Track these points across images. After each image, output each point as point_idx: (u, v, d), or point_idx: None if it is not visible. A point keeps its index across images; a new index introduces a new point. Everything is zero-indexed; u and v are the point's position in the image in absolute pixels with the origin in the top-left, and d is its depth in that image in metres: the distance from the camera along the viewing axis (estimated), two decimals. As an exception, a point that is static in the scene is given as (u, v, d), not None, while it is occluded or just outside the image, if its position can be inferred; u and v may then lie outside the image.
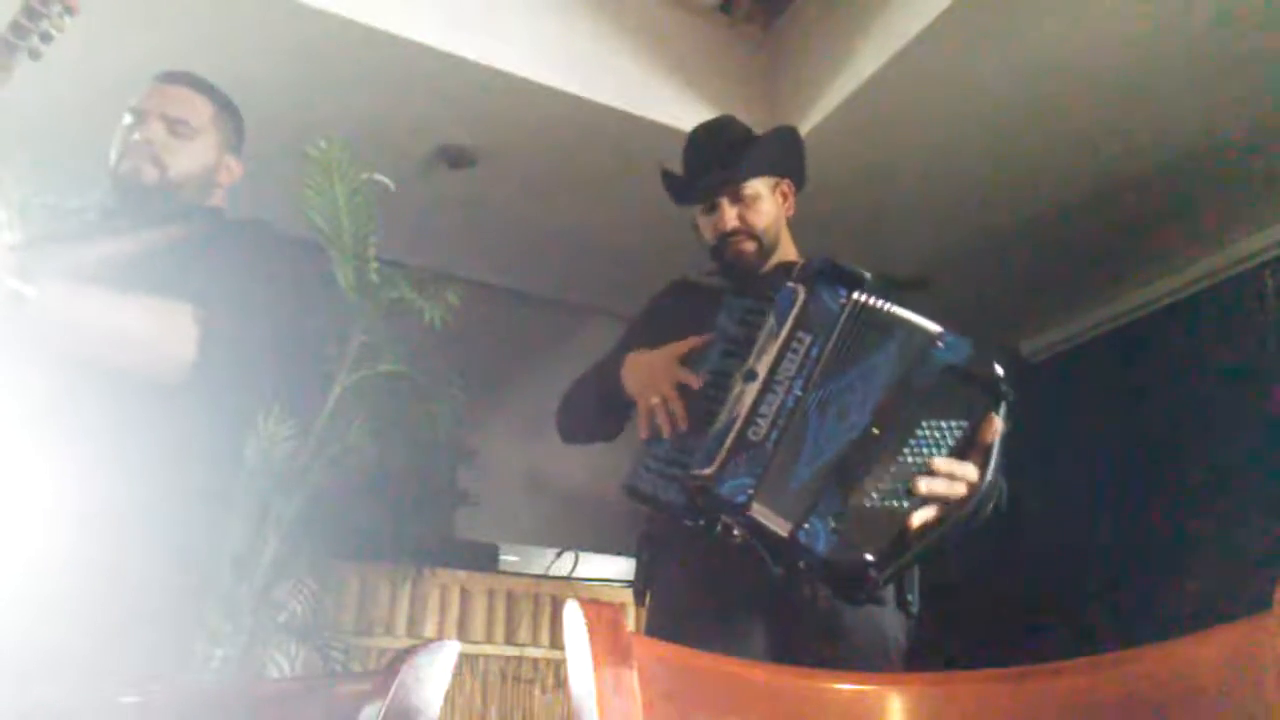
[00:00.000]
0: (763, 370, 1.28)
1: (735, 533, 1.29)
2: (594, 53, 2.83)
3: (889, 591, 1.46)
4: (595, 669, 0.71)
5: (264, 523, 1.90)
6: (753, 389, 1.27)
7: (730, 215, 1.66)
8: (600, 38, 2.85)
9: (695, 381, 1.36)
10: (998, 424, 1.22)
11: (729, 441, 1.25)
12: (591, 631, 0.73)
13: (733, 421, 1.26)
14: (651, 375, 1.44)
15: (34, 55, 1.24)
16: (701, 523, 1.32)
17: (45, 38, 1.23)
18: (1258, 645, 0.71)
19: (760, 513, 1.22)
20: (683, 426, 1.35)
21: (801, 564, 1.26)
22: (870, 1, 2.67)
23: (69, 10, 1.22)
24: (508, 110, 2.81)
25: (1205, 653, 0.76)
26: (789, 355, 1.27)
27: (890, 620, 1.47)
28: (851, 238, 3.41)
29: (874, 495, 1.21)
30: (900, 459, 1.21)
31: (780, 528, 1.21)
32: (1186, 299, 3.48)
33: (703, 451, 1.27)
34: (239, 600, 1.86)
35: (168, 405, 1.40)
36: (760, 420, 1.25)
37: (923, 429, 1.23)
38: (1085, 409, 3.71)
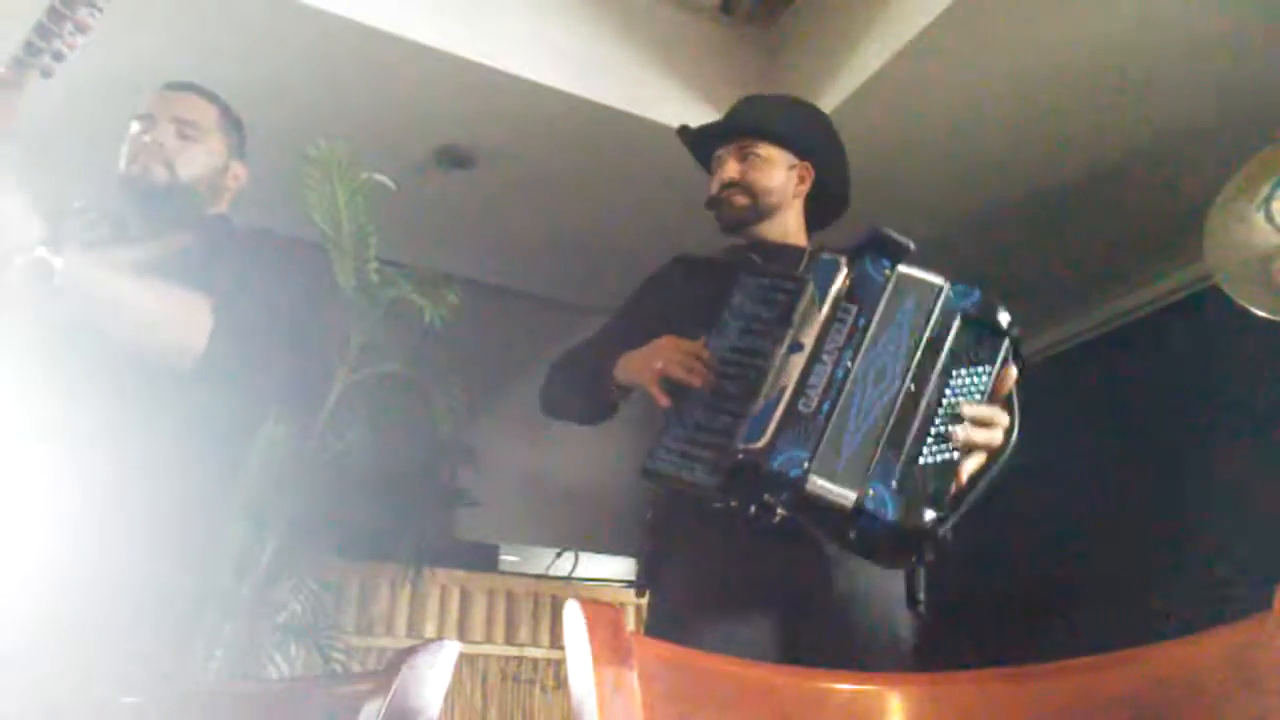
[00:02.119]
0: (808, 341, 1.24)
1: (778, 512, 1.21)
2: (594, 52, 2.83)
3: (899, 589, 1.42)
4: (595, 669, 0.71)
5: (264, 523, 1.90)
6: (799, 360, 1.24)
7: (731, 168, 1.64)
8: (600, 37, 2.85)
9: (704, 352, 1.33)
10: (1013, 371, 1.27)
11: (779, 413, 1.20)
12: (591, 631, 0.73)
13: (781, 393, 1.22)
14: (652, 353, 1.39)
15: (46, 73, 1.24)
16: (734, 504, 1.24)
17: (58, 56, 1.23)
18: (1258, 645, 0.71)
19: (818, 485, 1.18)
20: (697, 383, 1.31)
21: (853, 534, 1.20)
22: (870, 1, 2.67)
23: (81, 29, 1.22)
24: (508, 110, 2.81)
25: (1205, 653, 0.76)
26: (835, 326, 1.25)
27: (901, 618, 1.44)
28: (850, 237, 3.40)
29: (925, 452, 1.21)
30: (943, 410, 1.23)
31: (841, 498, 1.17)
32: (1186, 299, 3.48)
33: (749, 424, 1.22)
34: (239, 600, 1.86)
35: (169, 406, 1.40)
36: (810, 392, 1.21)
37: (955, 378, 1.25)
38: (1085, 409, 3.71)
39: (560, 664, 2.99)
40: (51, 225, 1.26)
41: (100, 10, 1.22)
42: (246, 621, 1.88)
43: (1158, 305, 3.63)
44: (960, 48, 2.53)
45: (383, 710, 0.74)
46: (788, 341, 1.26)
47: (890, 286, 1.27)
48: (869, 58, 2.65)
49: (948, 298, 1.28)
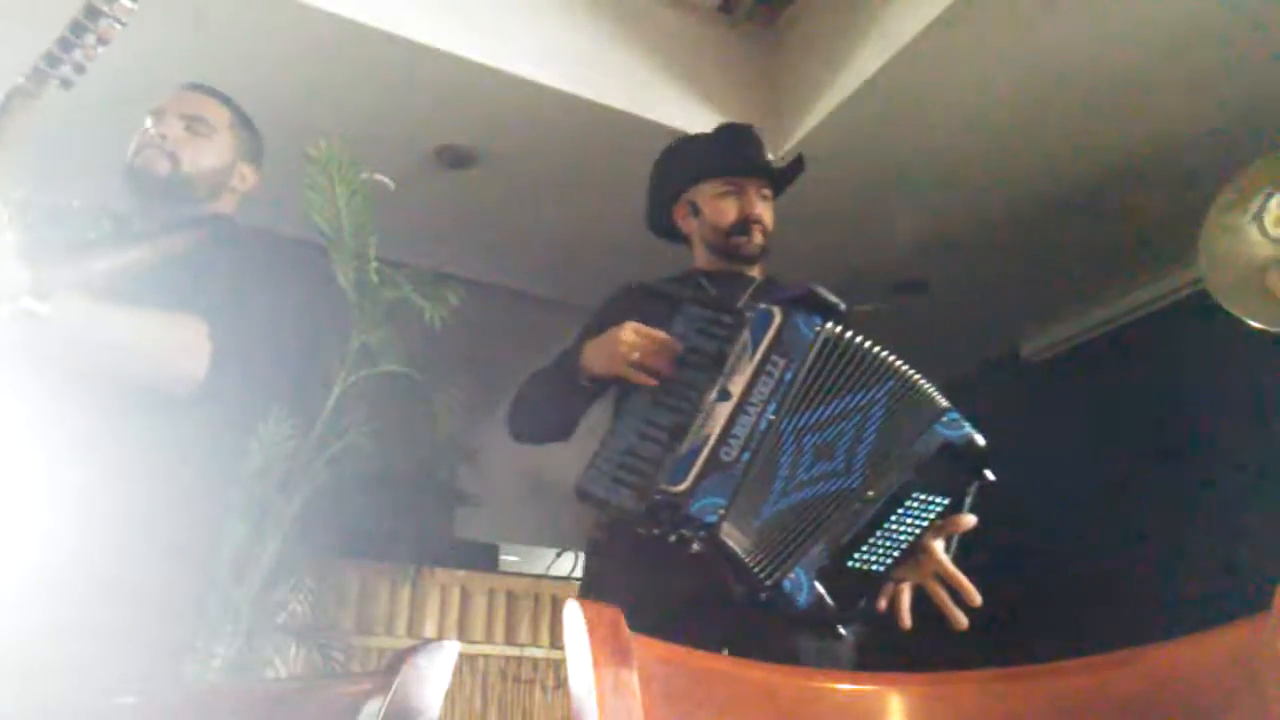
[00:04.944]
0: (736, 391, 1.27)
1: (695, 546, 1.28)
2: (594, 53, 2.83)
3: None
4: (595, 669, 0.71)
5: (264, 523, 1.90)
6: (725, 408, 1.27)
7: (760, 206, 1.71)
8: (600, 38, 2.85)
9: (666, 339, 1.35)
10: (971, 520, 1.33)
11: (702, 460, 1.24)
12: (591, 631, 0.73)
13: (705, 439, 1.25)
14: (616, 339, 1.42)
15: (66, 85, 1.23)
16: (656, 531, 1.29)
17: (79, 68, 1.22)
18: (1258, 645, 0.71)
19: (728, 534, 1.23)
20: (666, 371, 1.34)
21: (763, 596, 1.26)
22: (871, 1, 2.67)
23: (104, 40, 1.21)
24: (508, 110, 2.81)
25: (1205, 653, 0.76)
26: (763, 378, 1.27)
27: (843, 646, 1.46)
28: (851, 237, 3.41)
29: (857, 556, 1.28)
30: (887, 525, 1.28)
31: (746, 554, 1.23)
32: (1186, 299, 3.48)
33: (673, 466, 1.26)
34: (239, 600, 1.86)
35: (171, 408, 1.40)
36: (733, 441, 1.25)
37: (913, 500, 1.29)
38: (1085, 409, 3.71)
39: (560, 664, 2.99)
40: (36, 272, 1.22)
41: (123, 23, 1.21)
42: (246, 621, 1.88)
43: (1158, 305, 3.63)
44: (959, 49, 2.53)
45: (383, 710, 0.74)
46: (717, 388, 1.29)
47: (817, 345, 1.29)
48: (869, 58, 2.65)
49: (941, 422, 1.30)
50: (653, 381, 1.35)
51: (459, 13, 2.63)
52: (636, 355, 1.38)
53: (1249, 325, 2.68)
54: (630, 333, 1.40)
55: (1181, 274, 3.48)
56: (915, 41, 2.50)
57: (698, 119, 2.90)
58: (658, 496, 1.25)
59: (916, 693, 0.85)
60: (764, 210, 1.72)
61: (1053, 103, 2.72)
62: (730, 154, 1.77)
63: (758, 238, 1.71)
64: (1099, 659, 0.80)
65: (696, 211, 1.75)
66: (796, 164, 1.78)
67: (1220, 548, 3.02)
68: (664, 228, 1.84)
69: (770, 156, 1.80)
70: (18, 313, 1.19)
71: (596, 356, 1.50)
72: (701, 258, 1.78)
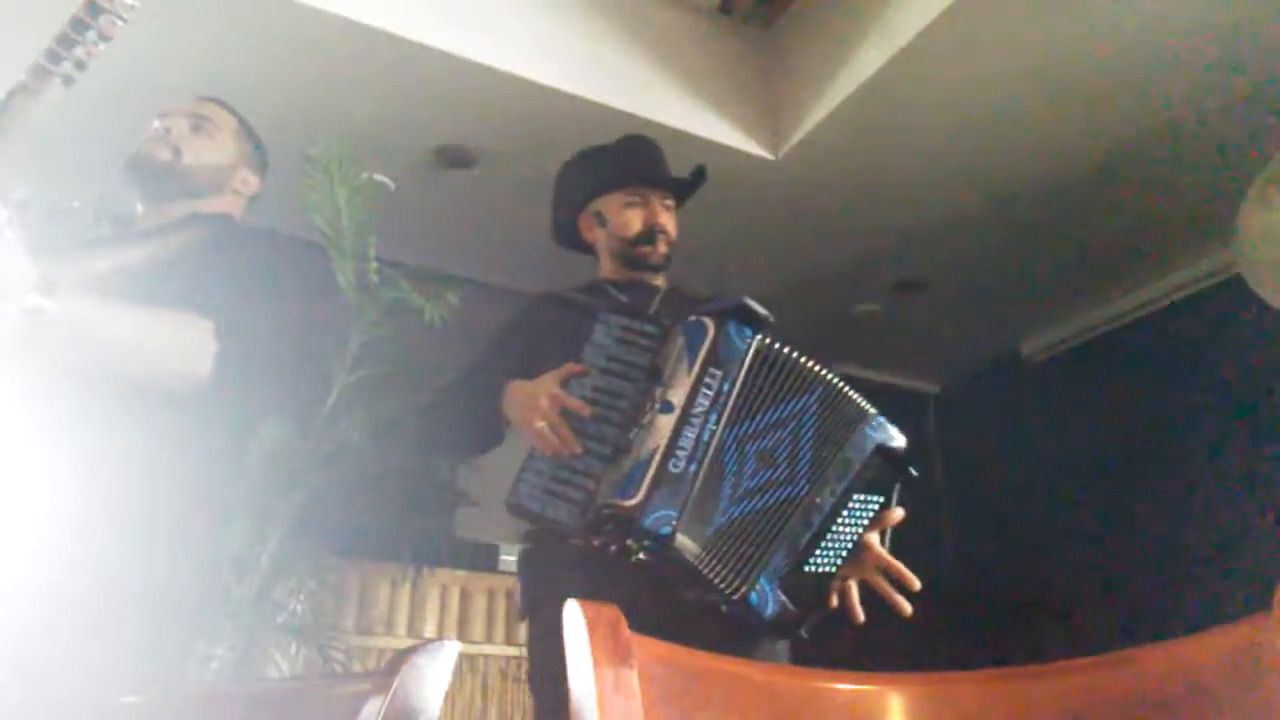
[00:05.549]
0: (678, 402, 1.28)
1: (641, 556, 1.28)
2: (594, 53, 2.83)
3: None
4: (595, 669, 0.71)
5: (264, 523, 1.90)
6: (669, 421, 1.27)
7: (663, 213, 1.75)
8: (600, 38, 2.85)
9: (583, 408, 1.34)
10: (900, 514, 1.40)
11: (651, 473, 1.25)
12: (591, 631, 0.73)
13: (652, 452, 1.26)
14: (534, 401, 1.39)
15: (68, 82, 1.23)
16: (596, 543, 1.29)
17: (80, 65, 1.22)
18: (1258, 645, 0.71)
19: (683, 545, 1.25)
20: (576, 450, 1.32)
21: (724, 608, 1.28)
22: (870, 1, 2.67)
23: (105, 37, 1.21)
24: (508, 110, 2.81)
25: (1205, 653, 0.76)
26: (703, 389, 1.28)
27: (781, 644, 1.49)
28: (851, 237, 3.41)
29: (812, 560, 1.33)
30: (835, 528, 1.34)
31: (699, 561, 1.26)
32: (1186, 299, 3.49)
33: (620, 481, 1.26)
34: (239, 600, 1.86)
35: (172, 407, 1.40)
36: (679, 453, 1.26)
37: (855, 502, 1.36)
38: (1085, 409, 3.71)
39: (560, 664, 2.98)
40: (42, 269, 1.22)
41: (125, 19, 1.21)
42: (246, 621, 1.88)
43: (1158, 305, 3.63)
44: (959, 48, 2.53)
45: (383, 710, 0.74)
46: (658, 400, 1.29)
47: (750, 355, 1.30)
48: (869, 58, 2.65)
49: (870, 426, 1.37)
50: (560, 449, 1.34)
51: (458, 13, 2.63)
52: (542, 424, 1.35)
53: (1250, 324, 2.67)
54: (546, 401, 1.38)
55: (1182, 274, 3.49)
56: (915, 41, 2.50)
57: (698, 119, 2.90)
58: (606, 511, 1.25)
59: (916, 693, 0.85)
60: (667, 220, 1.75)
61: (1053, 102, 2.72)
62: (634, 165, 1.80)
63: (662, 247, 1.74)
64: (1099, 659, 0.80)
65: (603, 222, 1.78)
66: (698, 175, 1.80)
67: (1220, 547, 3.03)
68: (569, 238, 1.88)
69: (670, 168, 1.82)
70: (24, 309, 1.19)
71: (513, 409, 1.47)
72: (607, 267, 1.79)
